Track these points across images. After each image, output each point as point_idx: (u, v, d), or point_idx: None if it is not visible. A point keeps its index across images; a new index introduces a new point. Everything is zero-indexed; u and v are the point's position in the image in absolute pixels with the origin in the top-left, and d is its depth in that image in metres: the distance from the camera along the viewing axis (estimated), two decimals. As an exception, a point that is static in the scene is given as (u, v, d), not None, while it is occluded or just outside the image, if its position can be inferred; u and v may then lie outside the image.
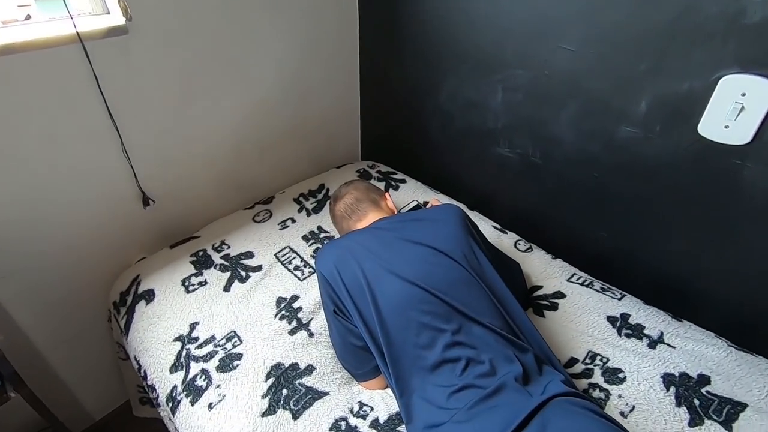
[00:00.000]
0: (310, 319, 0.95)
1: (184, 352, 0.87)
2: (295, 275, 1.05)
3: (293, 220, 1.23)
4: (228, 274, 1.05)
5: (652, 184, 0.98)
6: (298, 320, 0.94)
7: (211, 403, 0.79)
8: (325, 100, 1.42)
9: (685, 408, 0.81)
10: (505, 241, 1.19)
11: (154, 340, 0.91)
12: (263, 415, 0.76)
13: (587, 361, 0.91)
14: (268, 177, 1.38)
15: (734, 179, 0.87)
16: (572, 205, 1.15)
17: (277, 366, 0.85)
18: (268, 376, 0.83)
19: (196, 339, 0.90)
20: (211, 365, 0.85)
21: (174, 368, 0.86)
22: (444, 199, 1.32)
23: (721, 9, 0.76)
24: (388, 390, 0.86)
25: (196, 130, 1.13)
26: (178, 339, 0.90)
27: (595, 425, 0.65)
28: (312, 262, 1.09)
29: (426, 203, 1.31)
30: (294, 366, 0.85)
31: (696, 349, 0.91)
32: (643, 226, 1.04)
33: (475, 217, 1.27)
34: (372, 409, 0.79)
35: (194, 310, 0.95)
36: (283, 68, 1.25)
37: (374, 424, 0.76)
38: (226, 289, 1.01)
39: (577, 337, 0.95)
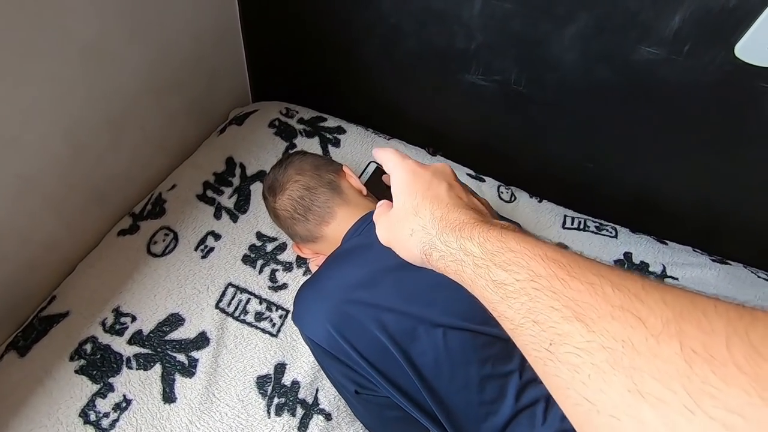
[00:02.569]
0: (316, 393, 0.67)
1: None
2: (263, 330, 0.72)
3: (216, 236, 0.81)
4: (157, 368, 0.65)
5: (664, 112, 0.86)
6: (303, 403, 0.66)
7: None
8: (189, 23, 0.87)
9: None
10: (487, 192, 1.01)
11: None
12: None
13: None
14: (137, 164, 0.86)
15: (757, 103, 0.78)
16: (558, 138, 0.99)
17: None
18: None
19: None
20: None
21: None
22: (403, 151, 1.02)
23: None
24: None
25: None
26: None
27: None
28: (277, 297, 0.75)
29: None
30: (332, 479, 0.60)
31: (695, 276, 0.93)
32: (637, 153, 0.95)
33: (441, 161, 1.02)
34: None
35: (134, 460, 0.58)
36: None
37: None
38: (168, 398, 0.63)
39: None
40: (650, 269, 0.93)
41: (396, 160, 0.41)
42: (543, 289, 0.26)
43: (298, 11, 0.99)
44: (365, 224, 0.70)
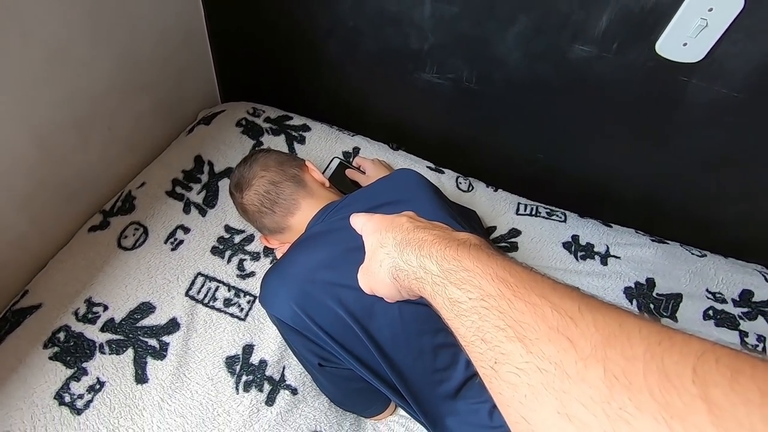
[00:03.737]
0: (283, 370, 0.72)
1: None
2: (232, 314, 0.76)
3: (185, 229, 0.85)
4: (129, 353, 0.69)
5: (597, 104, 0.94)
6: (270, 380, 0.70)
7: None
8: (155, 26, 0.91)
9: (646, 314, 0.92)
10: (446, 183, 1.07)
11: None
12: None
13: (563, 297, 0.93)
14: (107, 162, 0.89)
15: (678, 95, 0.87)
16: (509, 130, 1.06)
17: (278, 459, 0.63)
18: (273, 480, 0.62)
19: (139, 480, 0.60)
20: None
21: None
22: (367, 147, 1.07)
23: None
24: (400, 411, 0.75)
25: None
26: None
27: None
28: (245, 284, 0.80)
29: (347, 155, 1.05)
30: (298, 448, 0.65)
31: (635, 254, 1.01)
32: (581, 143, 1.03)
33: (401, 157, 1.08)
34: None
35: (107, 438, 0.62)
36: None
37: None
38: (140, 378, 0.67)
39: (545, 272, 0.96)
40: (595, 249, 1.01)
41: (363, 219, 0.44)
42: (491, 309, 0.27)
43: (262, 14, 1.03)
44: (326, 212, 0.75)
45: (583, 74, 0.89)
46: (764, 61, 0.77)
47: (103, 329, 0.70)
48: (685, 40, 0.78)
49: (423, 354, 0.67)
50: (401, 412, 0.76)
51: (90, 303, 0.73)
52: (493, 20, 0.87)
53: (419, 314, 0.67)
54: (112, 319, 0.72)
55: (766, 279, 1.01)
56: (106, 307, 0.73)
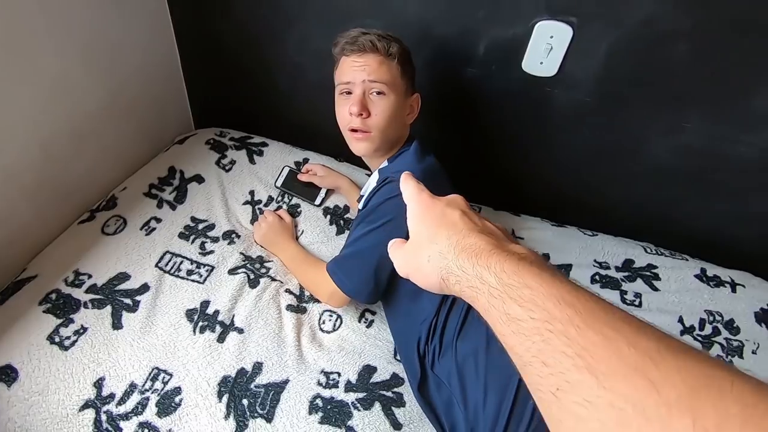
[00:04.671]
0: (233, 317, 0.89)
1: (103, 417, 0.73)
2: (193, 281, 0.94)
3: (157, 219, 1.05)
4: (108, 308, 0.86)
5: (493, 113, 1.18)
6: (222, 324, 0.88)
7: (170, 452, 0.71)
8: (138, 63, 1.15)
9: (733, 365, 1.11)
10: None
11: (49, 421, 0.72)
12: (236, 434, 0.74)
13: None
14: (96, 173, 1.10)
15: (546, 102, 1.12)
16: (429, 139, 1.29)
17: (225, 380, 0.80)
18: (220, 395, 0.78)
19: (112, 396, 0.75)
20: (150, 414, 0.74)
21: (98, 440, 0.72)
22: (315, 158, 1.30)
23: (536, -35, 0.92)
24: (344, 350, 0.88)
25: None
26: (86, 406, 0.74)
27: None
28: (206, 259, 0.98)
29: (298, 164, 1.28)
30: (241, 372, 0.81)
31: (536, 236, 1.22)
32: (491, 147, 1.27)
33: (344, 167, 1.30)
34: (339, 374, 0.84)
35: (88, 366, 0.78)
36: (78, 33, 0.95)
37: (350, 386, 0.82)
38: (116, 325, 0.84)
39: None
40: (504, 232, 1.22)
41: (412, 193, 0.42)
42: (557, 333, 0.25)
43: (228, 57, 1.29)
44: None
45: (476, 90, 1.14)
46: (599, 72, 1.03)
47: (87, 291, 0.88)
48: (540, 59, 1.04)
49: None
50: (344, 352, 0.91)
51: (77, 273, 0.91)
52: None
53: None
54: (95, 284, 0.89)
55: (645, 251, 1.22)
56: (90, 276, 0.91)
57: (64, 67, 0.94)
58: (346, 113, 0.90)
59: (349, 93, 0.89)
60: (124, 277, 0.92)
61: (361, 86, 0.86)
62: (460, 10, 1.02)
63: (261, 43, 1.22)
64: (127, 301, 0.88)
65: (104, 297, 0.88)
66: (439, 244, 0.36)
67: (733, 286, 1.16)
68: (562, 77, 1.06)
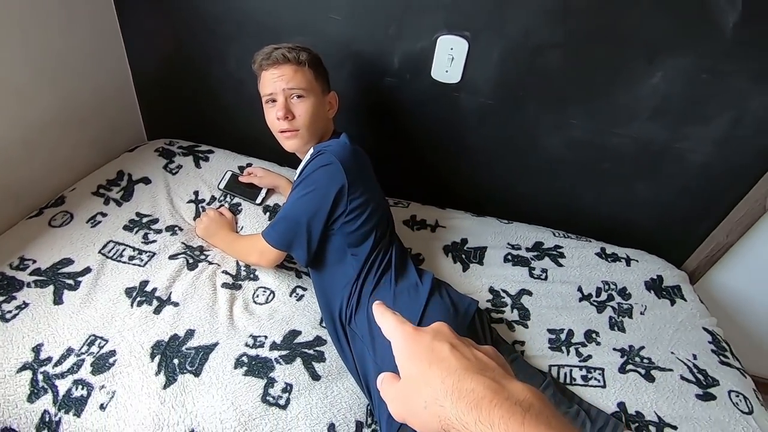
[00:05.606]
0: (170, 293, 0.98)
1: (40, 377, 0.79)
2: (134, 264, 1.03)
3: (103, 214, 1.13)
4: (50, 287, 0.93)
5: (410, 117, 1.35)
6: (159, 299, 0.96)
7: (102, 404, 0.78)
8: (87, 74, 1.27)
9: (459, 263, 1.25)
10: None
11: (-14, 383, 0.78)
12: (165, 387, 0.81)
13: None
14: (47, 177, 1.19)
15: (456, 106, 1.29)
16: (379, 151, 1.44)
17: (158, 344, 0.88)
18: (152, 356, 0.85)
19: (49, 359, 0.82)
20: (84, 372, 0.81)
21: (33, 396, 0.78)
22: (258, 164, 1.42)
23: (430, -11, 1.11)
24: (273, 318, 0.98)
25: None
26: (24, 368, 0.80)
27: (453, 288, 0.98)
28: (148, 247, 1.07)
29: (241, 168, 1.39)
30: (174, 337, 0.89)
31: (457, 225, 1.36)
32: (416, 148, 1.43)
33: (285, 170, 1.43)
34: (266, 337, 0.93)
35: (28, 335, 0.85)
36: (25, 41, 1.07)
37: (274, 346, 0.91)
38: (57, 302, 0.91)
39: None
40: (427, 222, 1.36)
41: (394, 326, 0.39)
42: None
43: (177, 73, 1.42)
44: None
45: (395, 98, 1.31)
46: (495, 78, 1.21)
47: (31, 274, 0.95)
48: (446, 68, 1.22)
49: None
50: (273, 318, 1.01)
51: (22, 259, 0.98)
52: (329, 67, 1.28)
53: None
54: (38, 268, 0.97)
55: (553, 234, 1.38)
56: (35, 261, 0.98)
57: (10, 75, 1.05)
58: (274, 119, 1.03)
59: (274, 101, 1.02)
60: (67, 262, 1.00)
61: (282, 94, 1.00)
62: (373, 28, 1.20)
63: (205, 61, 1.37)
64: (69, 281, 0.96)
65: (47, 279, 0.95)
66: (434, 388, 0.33)
67: (628, 261, 1.33)
68: (465, 84, 1.24)
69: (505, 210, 1.47)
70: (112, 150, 1.41)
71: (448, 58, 1.20)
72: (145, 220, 1.15)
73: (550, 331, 1.10)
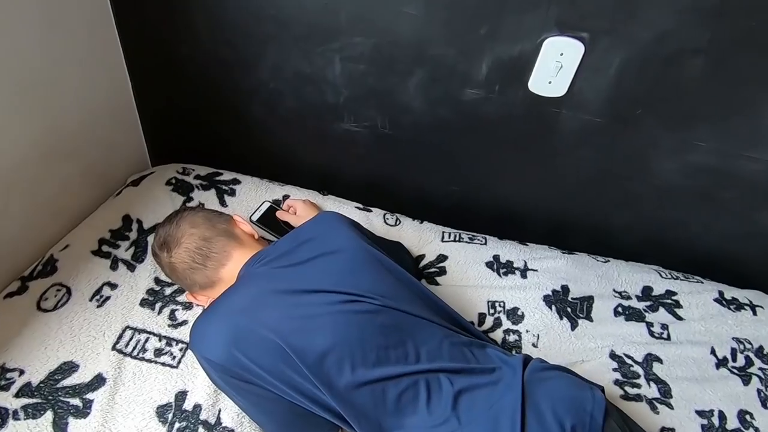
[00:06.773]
0: (219, 412, 0.71)
1: None
2: (163, 363, 0.74)
3: (112, 285, 0.84)
4: (47, 416, 0.65)
5: (493, 137, 1.09)
6: (205, 424, 0.68)
7: None
8: (79, 94, 0.95)
9: (565, 318, 1.01)
10: (374, 220, 1.15)
11: None
12: None
13: (491, 311, 1.00)
14: (29, 232, 0.88)
15: (553, 124, 1.04)
16: (425, 168, 1.19)
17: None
18: None
19: None
20: None
21: None
22: (296, 194, 1.14)
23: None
24: None
25: None
26: None
27: (564, 381, 0.73)
28: (177, 333, 0.79)
29: (277, 201, 1.11)
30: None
31: (549, 266, 1.12)
32: (486, 174, 1.17)
33: (330, 201, 1.16)
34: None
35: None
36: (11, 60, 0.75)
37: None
38: (60, 440, 0.63)
39: (473, 291, 1.04)
40: (515, 265, 1.11)
41: None
42: None
43: (189, 85, 1.12)
44: (256, 260, 0.78)
45: (476, 114, 1.04)
46: (610, 91, 0.96)
47: (18, 395, 0.66)
48: (549, 78, 0.96)
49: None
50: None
51: (3, 369, 0.69)
52: (394, 74, 1.01)
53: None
54: (28, 383, 0.68)
55: (660, 276, 1.15)
56: (22, 372, 0.69)
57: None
58: None
59: None
60: (69, 368, 0.71)
61: None
62: (460, 26, 0.92)
63: (230, 69, 1.06)
64: (75, 402, 0.67)
65: (43, 400, 0.66)
66: None
67: (753, 308, 1.11)
68: (570, 97, 0.98)
69: (595, 244, 1.23)
70: (110, 180, 1.10)
71: (555, 66, 0.93)
72: (168, 290, 0.86)
73: (699, 413, 0.88)
